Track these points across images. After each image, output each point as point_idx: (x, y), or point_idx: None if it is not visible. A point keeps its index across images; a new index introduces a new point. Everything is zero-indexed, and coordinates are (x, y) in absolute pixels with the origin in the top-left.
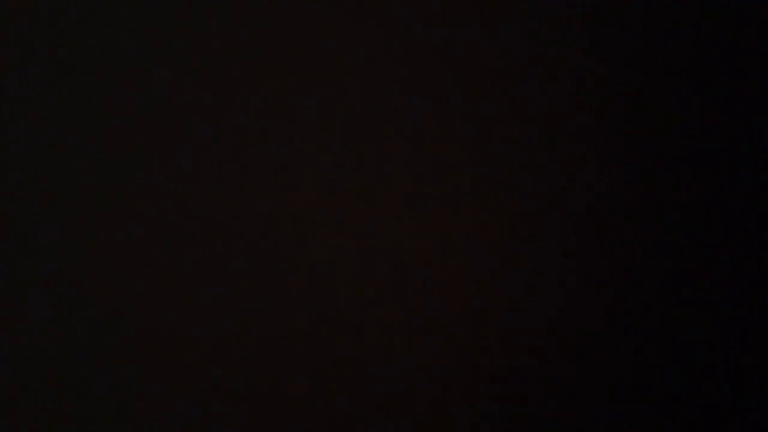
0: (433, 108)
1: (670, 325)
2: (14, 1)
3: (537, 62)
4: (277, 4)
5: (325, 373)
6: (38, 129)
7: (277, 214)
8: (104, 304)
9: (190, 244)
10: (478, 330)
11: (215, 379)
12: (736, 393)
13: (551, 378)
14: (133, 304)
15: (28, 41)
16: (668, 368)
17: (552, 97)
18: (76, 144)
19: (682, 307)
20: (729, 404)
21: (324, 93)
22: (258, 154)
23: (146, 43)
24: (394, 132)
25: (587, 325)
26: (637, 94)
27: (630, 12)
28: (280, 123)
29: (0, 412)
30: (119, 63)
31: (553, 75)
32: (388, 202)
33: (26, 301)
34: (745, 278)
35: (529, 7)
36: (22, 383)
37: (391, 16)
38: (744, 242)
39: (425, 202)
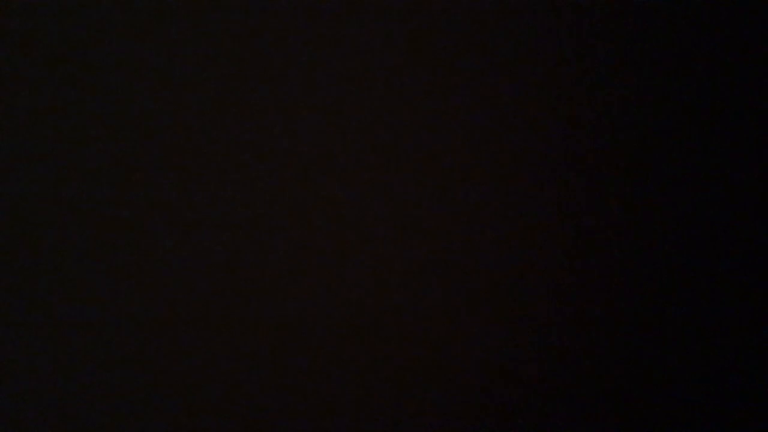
0: (432, 108)
1: (669, 325)
2: None
3: (537, 62)
4: (276, 4)
5: (325, 375)
6: (37, 129)
7: (276, 213)
8: (104, 304)
9: (190, 245)
10: (478, 329)
11: (215, 380)
12: (735, 393)
13: (552, 379)
14: (133, 304)
15: (28, 40)
16: (667, 368)
17: (551, 97)
18: (74, 144)
19: (681, 307)
20: (729, 404)
21: (323, 93)
22: (258, 154)
23: (144, 42)
24: (394, 132)
25: (587, 324)
26: (637, 93)
27: (629, 12)
28: (280, 122)
29: (0, 412)
30: (118, 62)
31: (553, 73)
32: (388, 202)
33: (26, 302)
34: (744, 278)
35: (528, 7)
36: (22, 384)
37: (390, 15)
38: (743, 242)
39: (425, 201)
